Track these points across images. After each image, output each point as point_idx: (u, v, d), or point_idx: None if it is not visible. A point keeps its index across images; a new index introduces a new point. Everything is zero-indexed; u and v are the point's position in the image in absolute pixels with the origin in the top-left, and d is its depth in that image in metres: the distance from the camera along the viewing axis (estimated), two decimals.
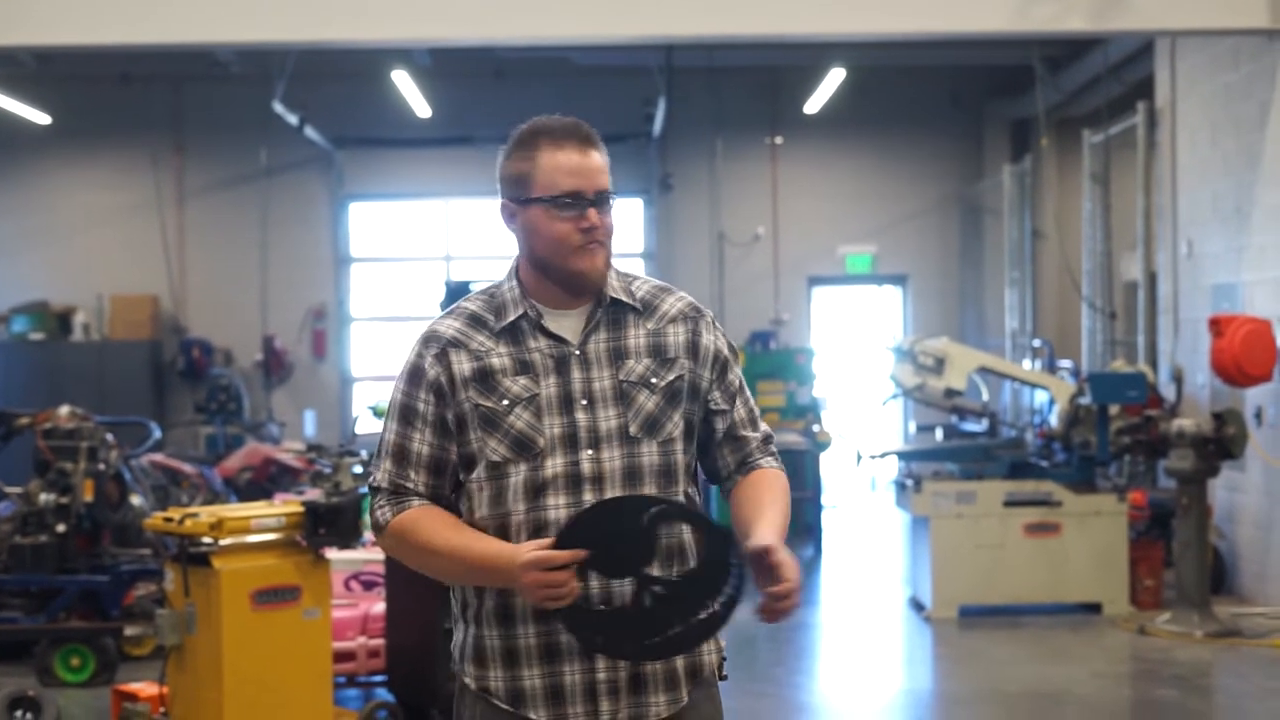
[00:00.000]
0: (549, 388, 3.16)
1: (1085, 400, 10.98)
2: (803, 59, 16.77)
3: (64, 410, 9.78)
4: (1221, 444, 10.09)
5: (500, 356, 3.18)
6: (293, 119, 16.70)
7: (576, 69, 17.22)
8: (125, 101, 18.36)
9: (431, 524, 3.17)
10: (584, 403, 3.15)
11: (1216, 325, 10.44)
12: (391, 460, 3.23)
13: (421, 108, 17.66)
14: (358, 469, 7.57)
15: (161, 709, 7.05)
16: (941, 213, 19.19)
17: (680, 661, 3.18)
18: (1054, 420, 11.79)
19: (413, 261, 19.32)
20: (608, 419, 3.15)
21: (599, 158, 3.19)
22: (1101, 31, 11.28)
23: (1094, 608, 10.80)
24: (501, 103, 18.33)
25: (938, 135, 19.09)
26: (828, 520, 15.04)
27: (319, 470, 7.65)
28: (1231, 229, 11.39)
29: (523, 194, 3.20)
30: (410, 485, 3.21)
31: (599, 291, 3.22)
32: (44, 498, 9.36)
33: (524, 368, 3.17)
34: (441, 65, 16.86)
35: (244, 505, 8.05)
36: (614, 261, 3.28)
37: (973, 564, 10.73)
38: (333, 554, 7.43)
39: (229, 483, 13.89)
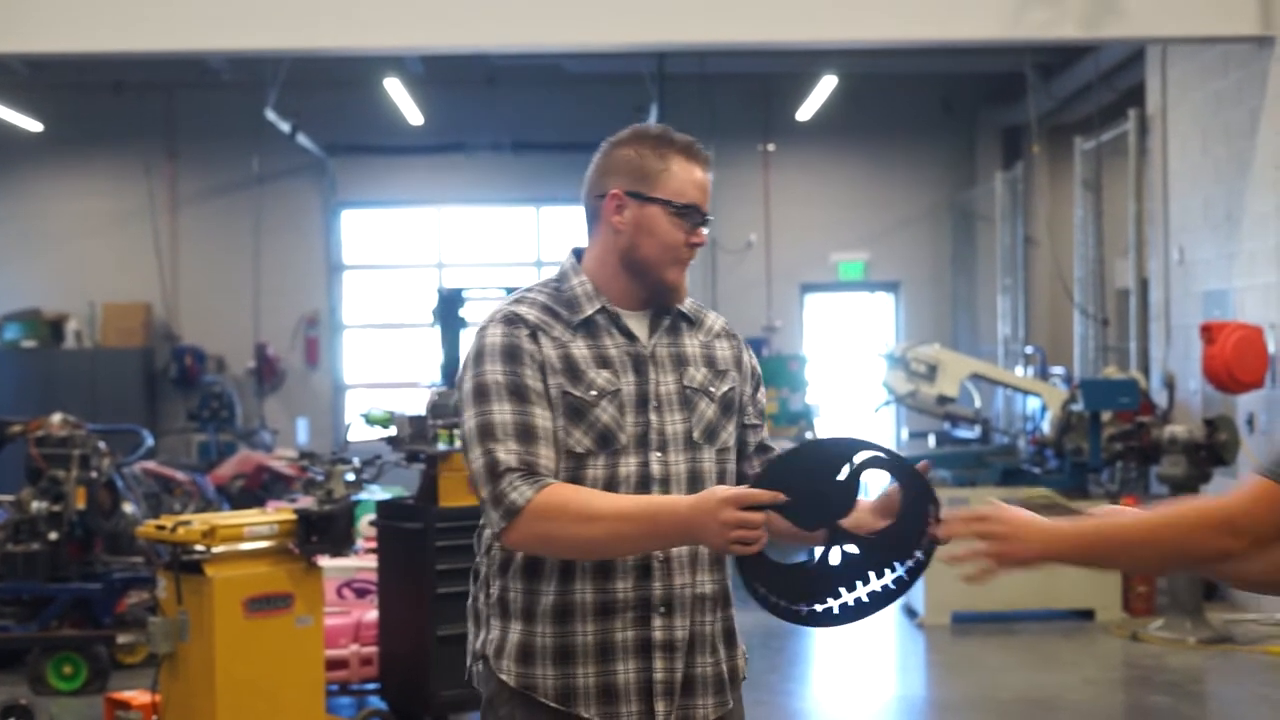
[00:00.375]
0: (628, 385, 3.17)
1: (1077, 407, 10.99)
2: (795, 66, 16.79)
3: (56, 418, 9.77)
4: (1213, 450, 10.10)
5: (580, 348, 3.17)
6: (285, 126, 16.70)
7: (569, 76, 17.22)
8: (118, 109, 18.35)
9: (586, 492, 3.05)
10: (655, 404, 3.17)
11: (1208, 332, 10.46)
12: (516, 439, 3.06)
13: (414, 115, 17.66)
14: (350, 477, 7.57)
15: (154, 717, 7.04)
16: (934, 220, 19.21)
17: (727, 665, 3.24)
18: (1046, 427, 11.81)
19: (405, 269, 19.31)
20: (674, 423, 3.18)
21: (710, 182, 3.28)
22: (1093, 39, 11.31)
23: (1087, 614, 10.80)
24: (494, 110, 18.37)
25: (930, 142, 19.12)
26: None
27: (311, 478, 7.64)
28: (1222, 235, 11.41)
29: (646, 191, 3.19)
30: (542, 462, 3.06)
31: (679, 303, 3.27)
32: (36, 505, 9.35)
33: (604, 362, 3.17)
34: (434, 73, 16.86)
35: (236, 513, 8.04)
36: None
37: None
38: (325, 562, 7.43)
39: (221, 490, 13.88)
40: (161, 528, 6.89)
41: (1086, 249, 15.00)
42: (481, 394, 3.11)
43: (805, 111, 18.03)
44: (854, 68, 16.45)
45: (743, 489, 2.90)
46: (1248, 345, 10.35)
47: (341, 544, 7.27)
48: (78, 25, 9.88)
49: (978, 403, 13.88)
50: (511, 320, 3.15)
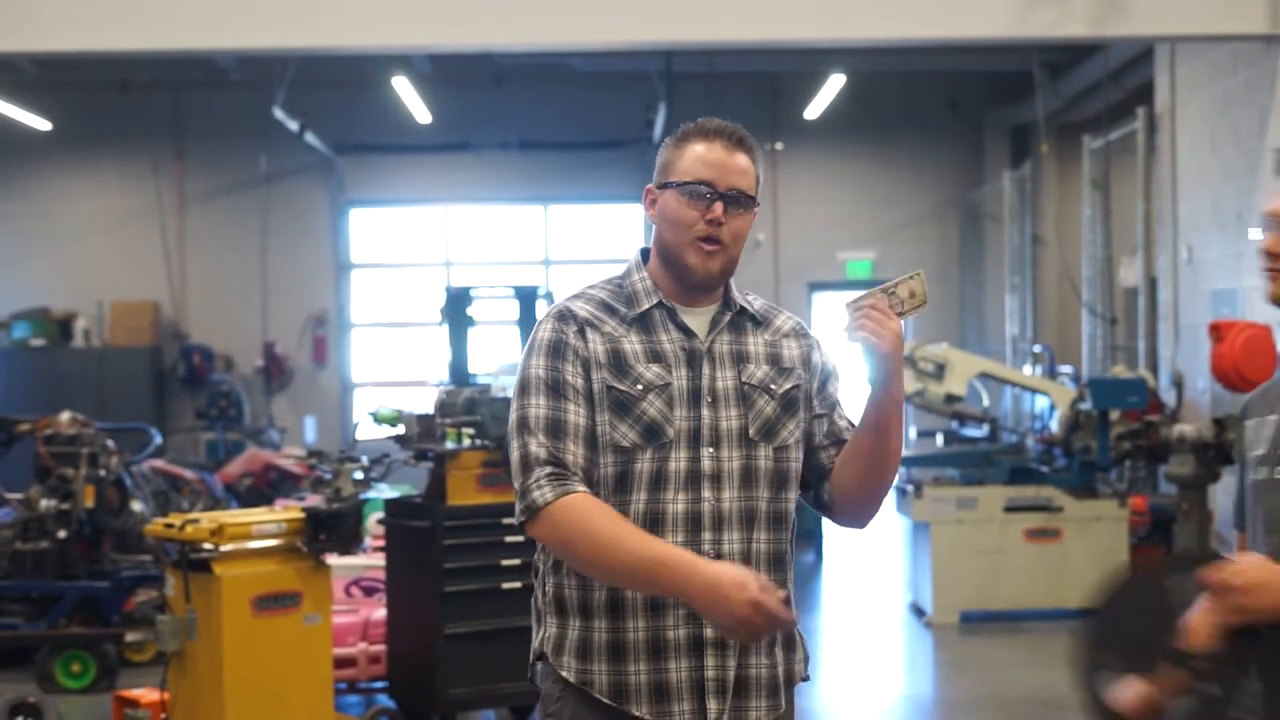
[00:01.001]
0: (680, 379, 3.16)
1: (1086, 406, 10.98)
2: (802, 65, 16.79)
3: (65, 416, 9.78)
4: (1222, 449, 10.08)
5: (632, 343, 3.17)
6: (293, 125, 16.70)
7: (577, 75, 17.22)
8: (125, 108, 18.36)
9: (609, 514, 3.04)
10: (709, 399, 3.16)
11: (1217, 330, 10.44)
12: (546, 433, 3.10)
13: (422, 114, 17.66)
14: (358, 475, 7.57)
15: (162, 715, 7.04)
16: (941, 219, 19.20)
17: (783, 669, 3.24)
18: (1054, 426, 11.79)
19: (413, 267, 19.33)
20: (729, 418, 3.16)
21: (745, 160, 3.23)
22: (1101, 37, 11.29)
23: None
24: (501, 109, 18.36)
25: (937, 141, 19.11)
26: (828, 526, 15.02)
27: (320, 476, 7.65)
28: (1231, 234, 11.40)
29: (663, 179, 3.23)
30: (570, 459, 3.09)
31: (724, 295, 3.25)
32: (45, 504, 9.36)
33: (656, 356, 3.16)
34: (442, 71, 16.87)
35: (245, 511, 8.05)
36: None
37: (973, 569, 10.73)
38: (333, 560, 7.43)
39: (229, 489, 13.89)
40: (170, 526, 6.90)
41: (1095, 248, 14.98)
42: (524, 389, 3.16)
43: (813, 110, 18.02)
44: (862, 67, 16.44)
45: (766, 595, 2.86)
46: (1256, 344, 10.33)
47: (350, 542, 7.27)
48: (85, 24, 9.89)
49: (986, 402, 13.87)
50: (562, 316, 3.19)
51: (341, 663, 7.91)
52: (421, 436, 7.77)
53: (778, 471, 3.20)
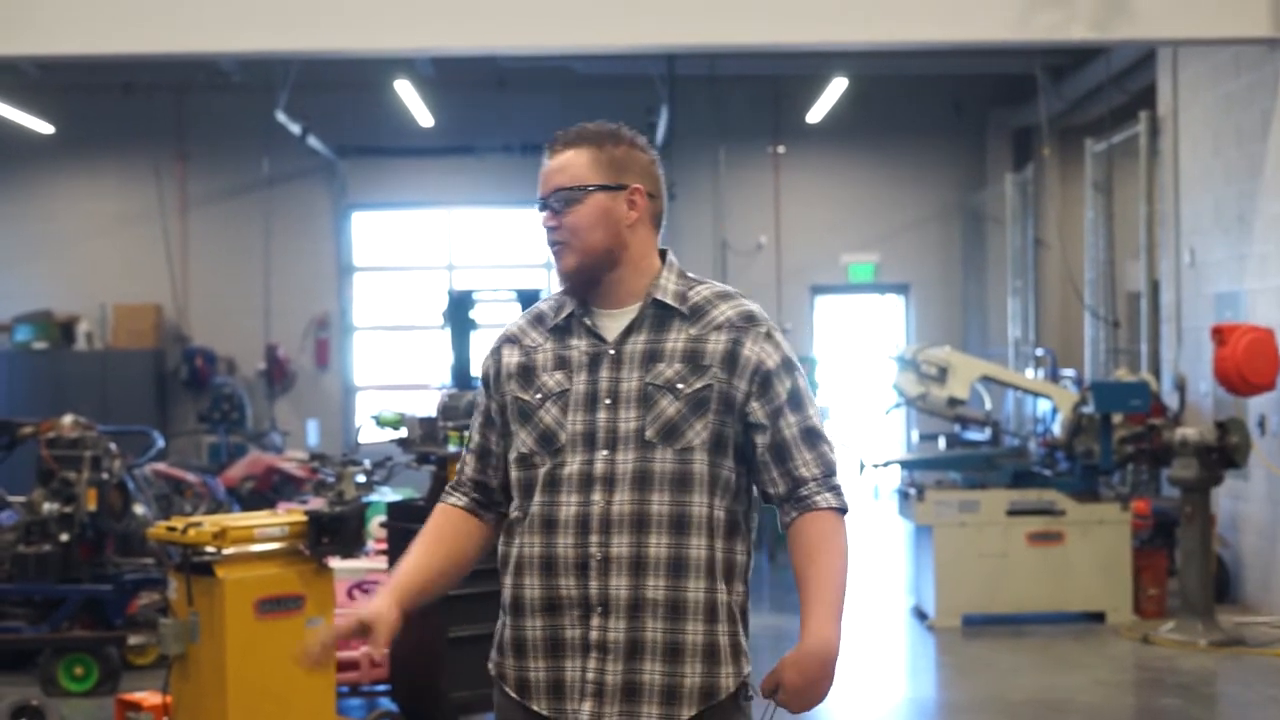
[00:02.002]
0: (579, 384, 3.20)
1: (1088, 409, 10.98)
2: (805, 68, 16.79)
3: (67, 419, 9.78)
4: (1225, 453, 10.08)
5: (545, 352, 3.26)
6: (295, 128, 16.71)
7: (579, 78, 17.23)
8: (128, 111, 18.38)
9: (427, 528, 3.39)
10: (608, 402, 3.17)
11: (1219, 334, 10.44)
12: (468, 453, 3.42)
13: (424, 117, 17.67)
14: (360, 478, 7.56)
15: (165, 718, 7.04)
16: (944, 221, 19.21)
17: (690, 680, 3.13)
18: (1057, 429, 11.79)
19: (415, 271, 19.33)
20: (627, 420, 3.15)
21: (562, 157, 3.23)
22: (1103, 40, 11.29)
23: (1098, 617, 10.79)
24: (504, 112, 18.37)
25: (940, 144, 19.11)
26: None
27: (322, 479, 7.64)
28: (1234, 237, 11.40)
29: None
30: (466, 471, 3.40)
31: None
32: (47, 507, 9.36)
33: (561, 363, 3.23)
34: (444, 75, 16.88)
35: (247, 514, 8.04)
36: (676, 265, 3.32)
37: (976, 573, 10.72)
38: (336, 563, 7.42)
39: (232, 492, 13.89)
40: (172, 529, 6.89)
41: (1097, 251, 14.98)
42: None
43: (815, 114, 18.03)
44: (864, 70, 16.45)
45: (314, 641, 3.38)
46: (1259, 347, 10.33)
47: (352, 546, 7.27)
48: (88, 27, 9.89)
49: (988, 405, 13.86)
50: (498, 336, 3.40)
51: (344, 666, 7.90)
52: (424, 440, 7.76)
53: (680, 475, 3.14)
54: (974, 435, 13.02)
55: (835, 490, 3.23)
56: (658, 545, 3.12)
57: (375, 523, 9.23)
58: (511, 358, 3.29)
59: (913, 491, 10.98)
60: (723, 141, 18.46)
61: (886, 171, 19.04)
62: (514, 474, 3.24)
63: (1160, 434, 10.54)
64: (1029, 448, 12.54)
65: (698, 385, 3.16)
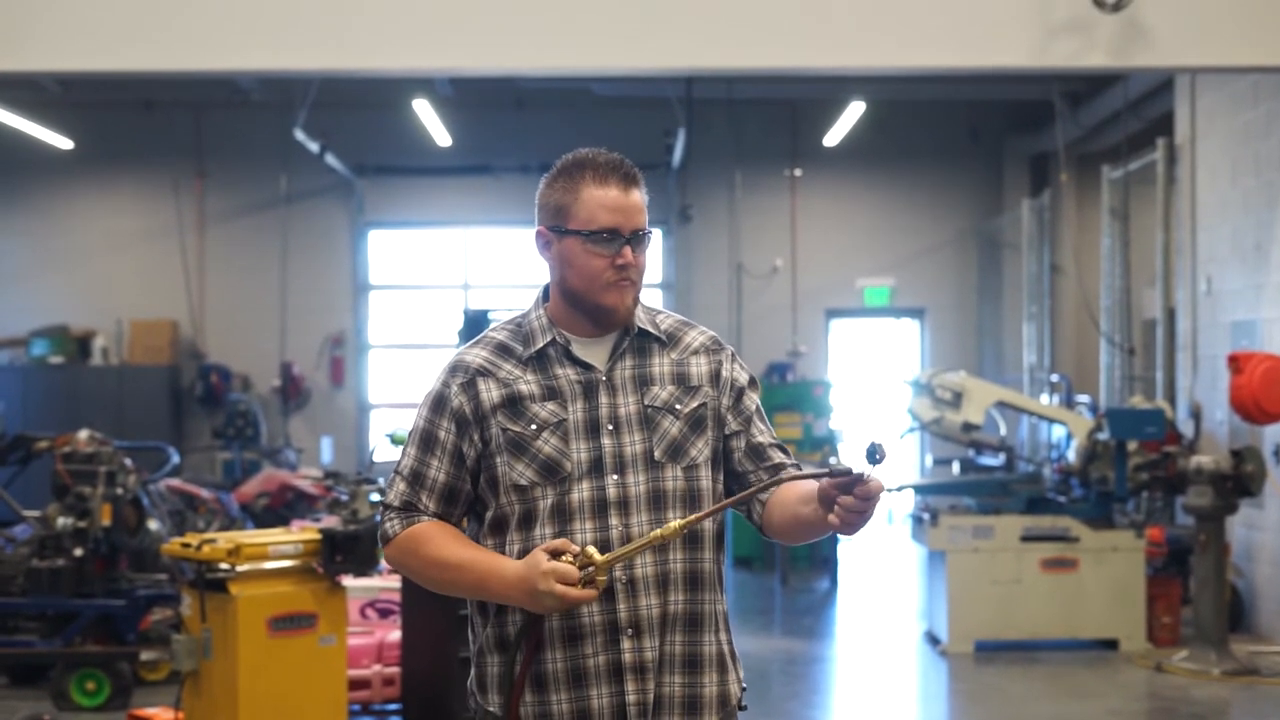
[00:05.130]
0: (576, 413, 3.20)
1: (1103, 436, 10.96)
2: (823, 92, 16.82)
3: (83, 434, 9.81)
4: (1240, 481, 10.06)
5: (528, 383, 3.22)
6: (314, 146, 16.76)
7: (596, 99, 17.26)
8: (147, 127, 18.45)
9: (443, 537, 3.22)
10: (610, 428, 3.19)
11: (1235, 362, 10.42)
12: (406, 483, 3.28)
13: (442, 136, 17.71)
14: (375, 497, 7.58)
15: None
16: (960, 247, 19.20)
17: (709, 689, 3.20)
18: (1072, 456, 11.77)
19: (431, 290, 19.36)
20: (633, 444, 3.19)
21: (639, 196, 3.24)
22: (1122, 68, 11.28)
23: (1111, 644, 10.76)
24: (521, 132, 18.41)
25: (956, 169, 19.11)
26: (843, 553, 15.01)
27: (336, 497, 7.66)
28: (1251, 266, 11.38)
29: (561, 224, 3.25)
30: (421, 507, 3.26)
31: (625, 324, 3.27)
32: (62, 522, 9.38)
33: (552, 393, 3.21)
34: (462, 95, 16.92)
35: (261, 532, 8.06)
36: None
37: (989, 599, 10.71)
38: (349, 581, 7.44)
39: (246, 508, 13.91)
40: (187, 545, 6.91)
41: (1113, 278, 14.97)
42: (410, 436, 3.35)
43: (833, 137, 18.05)
44: (881, 94, 16.47)
45: (552, 543, 3.02)
46: (1275, 376, 10.31)
47: (366, 564, 7.28)
48: (109, 44, 9.93)
49: (1003, 430, 13.84)
50: (453, 369, 3.30)
51: (356, 684, 7.91)
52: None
53: (689, 492, 3.22)
54: (988, 461, 13.00)
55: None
56: (675, 561, 3.18)
57: None
58: (491, 391, 3.22)
59: (926, 516, 10.97)
60: (739, 164, 18.48)
61: (903, 196, 19.04)
62: (506, 509, 3.20)
63: (1175, 462, 10.52)
64: (1043, 474, 12.51)
65: (694, 405, 3.26)
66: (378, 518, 7.92)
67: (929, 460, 17.19)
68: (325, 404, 19.02)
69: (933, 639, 11.18)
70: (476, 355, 3.30)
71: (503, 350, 3.29)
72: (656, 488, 3.18)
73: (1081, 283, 16.02)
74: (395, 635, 8.20)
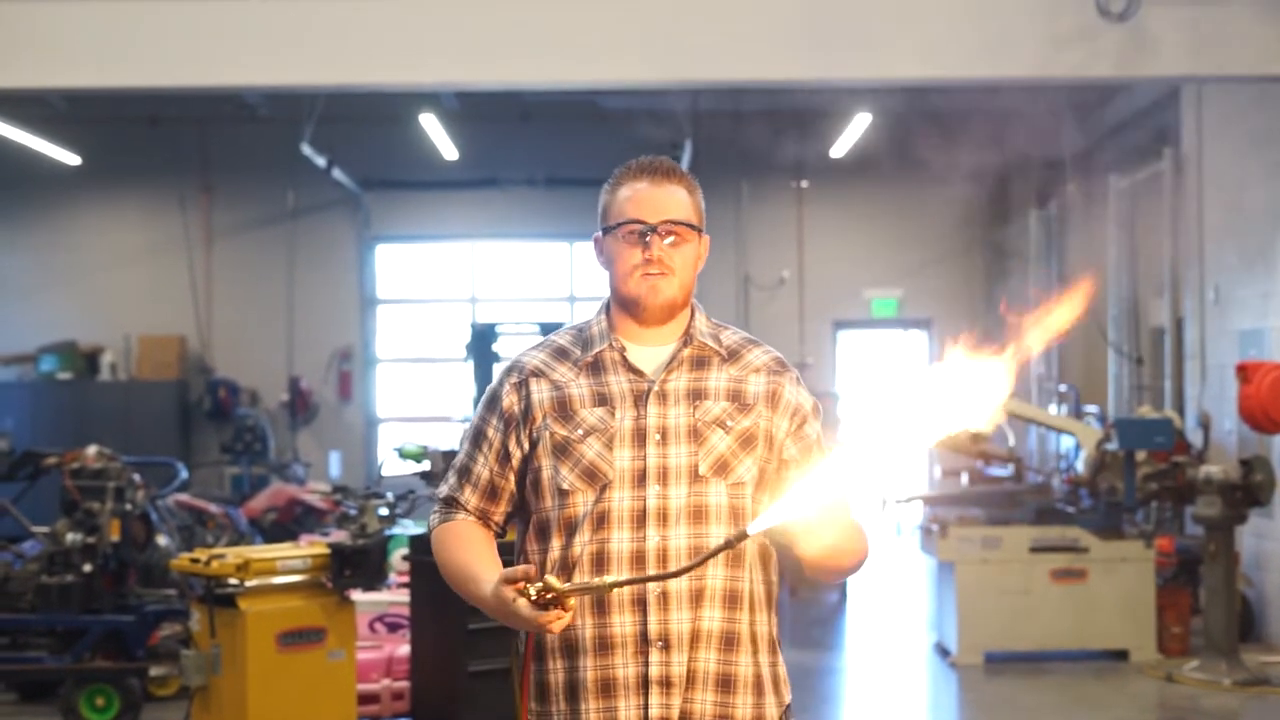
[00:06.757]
0: (624, 420, 3.18)
1: (1112, 446, 10.94)
2: (829, 104, 16.81)
3: (91, 450, 9.81)
4: (1249, 491, 10.04)
5: (580, 388, 3.22)
6: (320, 161, 16.78)
7: (603, 112, 17.28)
8: (154, 143, 18.48)
9: (459, 540, 3.27)
10: (657, 438, 3.17)
11: (1244, 371, 10.41)
12: (456, 476, 3.36)
13: (449, 150, 17.73)
14: (383, 511, 7.57)
15: None
16: (967, 257, 19.19)
17: (741, 711, 3.18)
18: (1080, 466, 11.75)
19: (439, 303, 19.38)
20: (678, 456, 3.17)
21: (673, 190, 3.25)
22: (1128, 78, 11.30)
23: (1121, 655, 10.74)
24: (528, 146, 18.43)
25: (963, 180, 19.06)
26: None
27: (344, 512, 7.66)
28: (1258, 275, 11.37)
29: (603, 225, 3.27)
30: (462, 500, 3.32)
31: (686, 331, 3.27)
32: (71, 537, 9.37)
33: (602, 399, 3.20)
34: (469, 108, 16.94)
35: (270, 547, 8.06)
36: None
37: (998, 610, 10.69)
38: (358, 596, 7.43)
39: (254, 523, 13.91)
40: (195, 560, 6.91)
41: (1121, 287, 14.95)
42: (467, 430, 3.39)
43: (839, 148, 18.05)
44: (888, 105, 16.47)
45: (512, 570, 2.95)
46: None
47: (374, 578, 7.28)
48: (115, 61, 9.95)
49: (1011, 441, 13.83)
50: (510, 369, 3.33)
51: (365, 699, 7.90)
52: (447, 473, 7.76)
53: (732, 509, 3.19)
54: (997, 471, 12.99)
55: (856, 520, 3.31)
56: (714, 578, 3.16)
57: (397, 556, 9.23)
58: (543, 393, 3.23)
59: (935, 528, 10.95)
60: (746, 176, 18.48)
61: (910, 207, 19.02)
62: (548, 511, 3.21)
63: (1184, 471, 10.50)
64: (1052, 484, 12.50)
65: (745, 423, 3.23)
66: (391, 540, 7.95)
67: (937, 471, 17.16)
68: (333, 418, 19.04)
69: (942, 650, 11.16)
70: (534, 357, 3.31)
71: (560, 353, 3.29)
72: (699, 502, 3.16)
73: (1089, 292, 16.01)
74: (404, 650, 8.19)
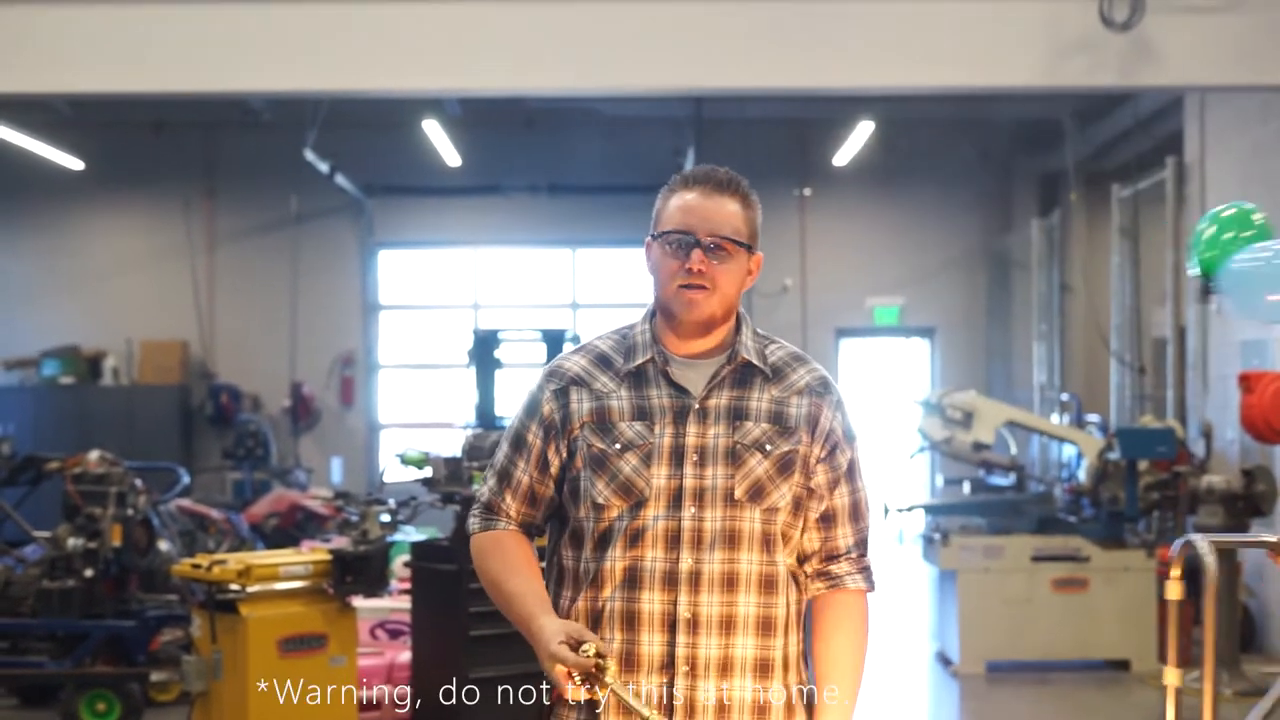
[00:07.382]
0: (663, 437, 3.12)
1: (1114, 455, 10.94)
2: (832, 112, 16.82)
3: (93, 455, 9.81)
4: (1251, 501, 10.04)
5: (620, 400, 3.16)
6: (324, 167, 16.79)
7: (606, 119, 17.29)
8: (157, 148, 18.47)
9: (507, 558, 3.21)
10: (695, 458, 3.11)
11: (1246, 381, 10.40)
12: (496, 479, 3.29)
13: (452, 157, 17.73)
14: (385, 517, 7.58)
15: None
16: (969, 266, 19.19)
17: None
18: (1082, 475, 11.75)
19: (441, 309, 19.38)
20: (715, 477, 3.10)
21: (729, 204, 3.18)
22: (1131, 87, 11.30)
23: (1122, 664, 10.73)
24: (531, 152, 18.43)
25: (966, 188, 19.11)
26: None
27: (346, 518, 7.67)
28: None
29: (652, 231, 3.20)
30: (504, 506, 3.26)
31: (731, 347, 3.19)
32: (72, 542, 9.38)
33: (642, 414, 3.14)
34: (472, 115, 16.94)
35: (272, 552, 8.07)
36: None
37: (1000, 619, 10.68)
38: (359, 602, 7.43)
39: (256, 529, 13.90)
40: (197, 566, 6.92)
41: (1123, 296, 14.96)
42: (507, 432, 3.32)
43: (842, 157, 18.05)
44: (891, 113, 16.47)
45: (565, 650, 2.95)
46: None
47: (376, 585, 7.28)
48: (119, 66, 9.96)
49: (1013, 450, 13.82)
50: (550, 374, 3.26)
51: (366, 705, 7.90)
52: (449, 479, 7.77)
53: (765, 535, 3.13)
54: (999, 480, 12.99)
55: (866, 571, 3.27)
56: (746, 604, 3.11)
57: (399, 562, 9.24)
58: (582, 403, 3.17)
59: (937, 536, 10.95)
60: (749, 183, 18.46)
61: (913, 215, 19.03)
62: (583, 521, 3.15)
63: (1186, 481, 10.51)
64: (1054, 493, 12.50)
65: (785, 448, 3.15)
66: (393, 546, 7.95)
67: (939, 480, 17.15)
68: (335, 424, 19.04)
69: (944, 659, 11.16)
70: (575, 363, 3.24)
71: (602, 361, 3.22)
72: (733, 527, 3.10)
73: (1091, 301, 16.01)
74: (406, 656, 8.19)
